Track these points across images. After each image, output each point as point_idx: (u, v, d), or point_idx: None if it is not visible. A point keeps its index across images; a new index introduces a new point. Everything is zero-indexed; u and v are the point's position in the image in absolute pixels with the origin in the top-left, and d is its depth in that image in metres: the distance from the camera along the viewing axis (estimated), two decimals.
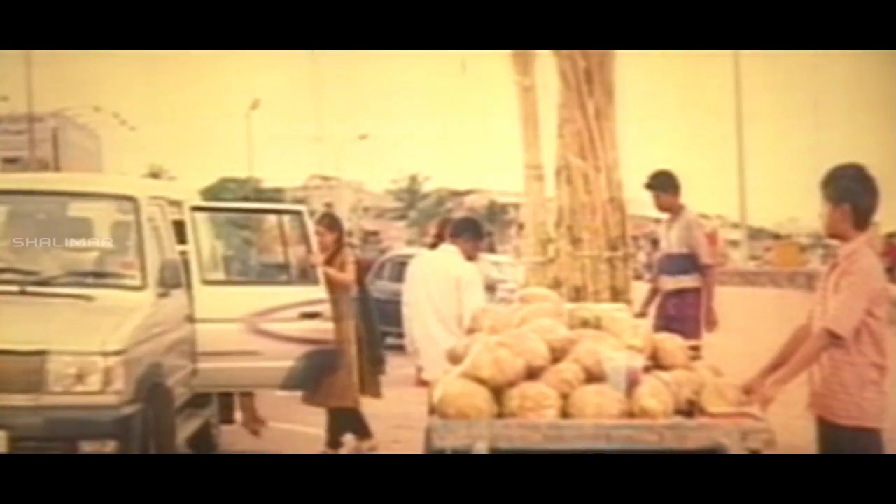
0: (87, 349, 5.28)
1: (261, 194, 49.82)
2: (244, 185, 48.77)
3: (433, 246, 6.75)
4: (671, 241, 7.11)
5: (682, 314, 6.85)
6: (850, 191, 3.83)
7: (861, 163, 3.93)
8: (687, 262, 6.98)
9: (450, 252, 6.00)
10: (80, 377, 5.24)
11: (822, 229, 4.03)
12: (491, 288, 8.97)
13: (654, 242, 7.64)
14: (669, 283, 7.10)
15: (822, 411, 3.87)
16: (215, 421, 7.42)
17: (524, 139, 7.38)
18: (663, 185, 7.10)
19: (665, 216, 7.22)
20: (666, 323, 6.65)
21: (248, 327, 6.49)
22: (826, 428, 3.87)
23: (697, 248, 6.96)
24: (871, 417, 3.79)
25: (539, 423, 3.70)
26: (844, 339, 3.72)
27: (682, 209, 7.09)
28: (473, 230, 6.12)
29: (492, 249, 12.13)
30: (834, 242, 4.02)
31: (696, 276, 7.00)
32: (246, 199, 47.58)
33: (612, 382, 3.84)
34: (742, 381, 3.96)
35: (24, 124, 38.86)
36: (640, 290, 7.43)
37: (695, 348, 4.39)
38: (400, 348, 6.94)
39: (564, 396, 3.82)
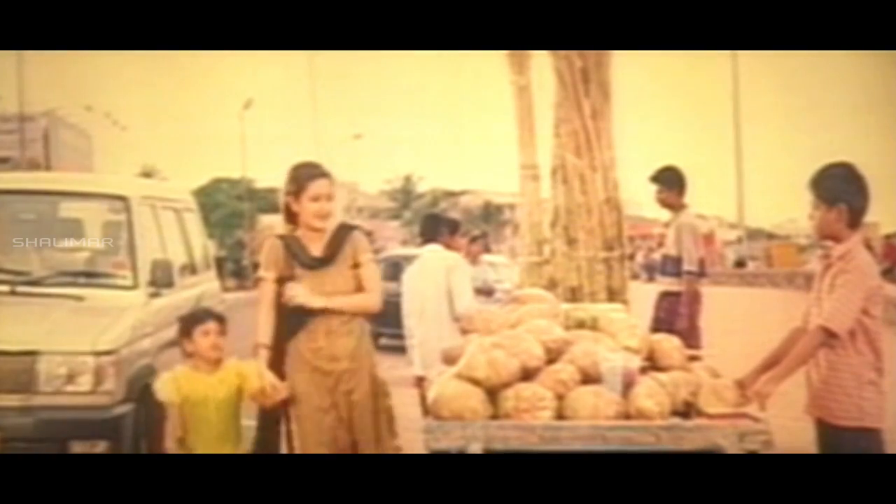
0: (77, 349, 5.25)
1: (254, 194, 49.71)
2: (237, 185, 48.58)
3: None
4: (667, 242, 7.07)
5: (671, 318, 6.77)
6: (843, 191, 3.80)
7: (850, 161, 3.89)
8: (677, 265, 6.90)
9: (435, 251, 6.45)
10: (70, 377, 5.22)
11: (814, 230, 3.97)
12: (489, 292, 8.89)
13: None
14: (663, 284, 7.06)
15: (822, 413, 3.83)
16: None
17: (520, 139, 7.33)
18: (668, 181, 7.01)
19: (667, 215, 7.16)
20: (656, 325, 6.58)
21: None
22: (826, 430, 3.83)
23: (682, 251, 6.85)
24: (871, 417, 3.75)
25: (535, 424, 3.67)
26: (839, 336, 3.69)
27: (682, 209, 7.00)
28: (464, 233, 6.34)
29: (487, 250, 12.08)
30: (826, 243, 3.98)
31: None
32: (239, 198, 47.44)
33: (608, 383, 3.81)
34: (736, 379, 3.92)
35: (14, 124, 38.62)
36: (636, 290, 7.38)
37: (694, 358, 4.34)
38: (395, 349, 6.91)
39: (560, 397, 3.79)
